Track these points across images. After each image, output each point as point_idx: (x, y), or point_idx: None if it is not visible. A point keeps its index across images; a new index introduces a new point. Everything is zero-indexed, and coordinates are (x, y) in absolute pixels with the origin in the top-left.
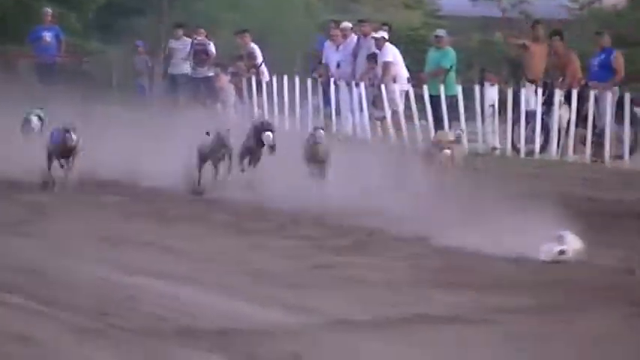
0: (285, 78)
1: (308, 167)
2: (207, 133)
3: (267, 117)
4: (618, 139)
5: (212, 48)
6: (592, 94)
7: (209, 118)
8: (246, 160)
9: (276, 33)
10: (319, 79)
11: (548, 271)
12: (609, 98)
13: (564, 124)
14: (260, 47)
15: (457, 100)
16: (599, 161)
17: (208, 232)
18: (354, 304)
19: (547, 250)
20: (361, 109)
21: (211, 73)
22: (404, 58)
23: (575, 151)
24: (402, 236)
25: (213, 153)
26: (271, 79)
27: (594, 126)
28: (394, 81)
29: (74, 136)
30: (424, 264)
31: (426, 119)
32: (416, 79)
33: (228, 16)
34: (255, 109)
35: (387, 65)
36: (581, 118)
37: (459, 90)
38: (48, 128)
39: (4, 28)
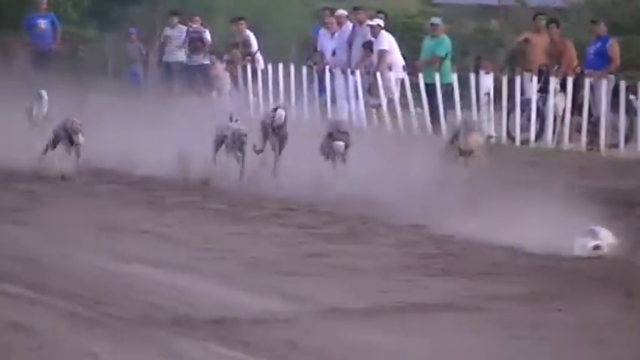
0: (281, 66)
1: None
2: (231, 119)
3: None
4: (614, 128)
5: (207, 36)
6: (587, 82)
7: (204, 106)
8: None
9: (271, 21)
10: (314, 67)
11: (542, 259)
12: (605, 86)
13: (560, 113)
14: (255, 35)
15: (452, 89)
16: (595, 149)
17: (203, 220)
18: (348, 292)
19: (581, 245)
20: (357, 97)
21: (207, 61)
22: (400, 45)
23: (570, 140)
24: (396, 224)
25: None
26: (266, 67)
27: (590, 114)
28: (390, 69)
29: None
30: (418, 252)
31: (422, 107)
32: (411, 67)
33: (223, 3)
34: (251, 96)
35: (382, 53)
36: (577, 107)
37: (454, 78)
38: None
39: None
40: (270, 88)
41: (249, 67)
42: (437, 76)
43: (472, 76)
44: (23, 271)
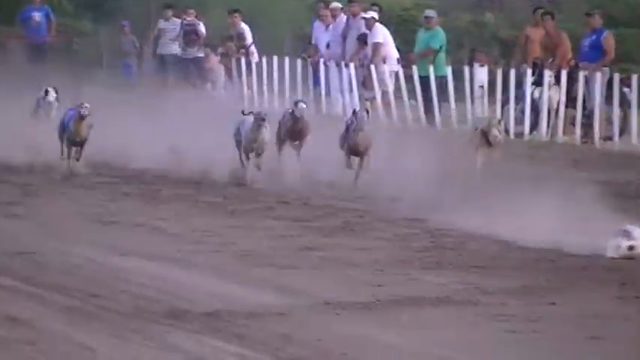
0: (275, 58)
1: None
2: (243, 112)
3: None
4: (608, 120)
5: (202, 28)
6: (582, 74)
7: (198, 99)
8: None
9: (265, 13)
10: (309, 60)
11: (537, 253)
12: (599, 79)
13: (554, 105)
14: (250, 27)
15: (447, 81)
16: (589, 142)
17: (198, 213)
18: (342, 286)
19: (615, 246)
20: (351, 90)
21: (201, 54)
22: (394, 38)
23: (564, 132)
24: (391, 217)
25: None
26: (261, 60)
27: (584, 107)
28: (384, 61)
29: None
30: (413, 245)
31: (416, 99)
32: (405, 60)
33: None
34: (245, 89)
35: (376, 46)
36: (571, 99)
37: (448, 71)
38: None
39: None
40: (265, 81)
41: (243, 59)
42: (431, 69)
43: (466, 69)
44: (17, 264)
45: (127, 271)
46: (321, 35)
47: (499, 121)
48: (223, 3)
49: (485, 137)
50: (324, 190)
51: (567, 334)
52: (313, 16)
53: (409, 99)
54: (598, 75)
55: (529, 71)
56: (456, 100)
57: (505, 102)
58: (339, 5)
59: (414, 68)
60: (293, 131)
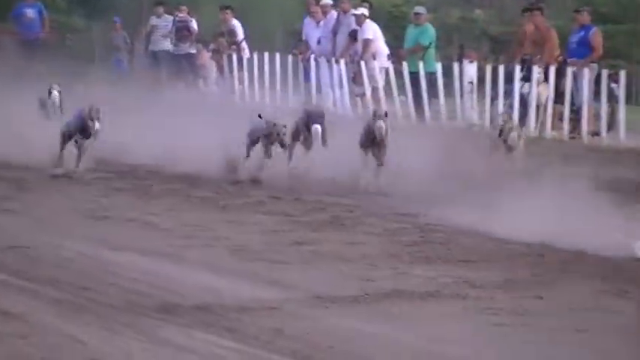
0: (266, 54)
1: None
2: (259, 116)
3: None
4: (596, 116)
5: (194, 25)
6: (570, 70)
7: (190, 94)
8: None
9: (257, 9)
10: (299, 56)
11: (523, 246)
12: (587, 75)
13: (543, 101)
14: (241, 24)
15: (436, 77)
16: (577, 137)
17: (190, 208)
18: (333, 280)
19: None
20: (341, 86)
21: (193, 50)
22: (384, 34)
23: (553, 128)
24: (381, 212)
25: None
26: (252, 56)
27: (572, 102)
28: (374, 58)
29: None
30: (403, 240)
31: (406, 95)
32: (395, 56)
33: None
34: (237, 85)
35: (366, 42)
36: (559, 95)
37: (438, 67)
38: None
39: None
40: (256, 77)
41: (234, 55)
42: (421, 65)
43: (456, 65)
44: (11, 259)
45: (119, 265)
46: (312, 31)
47: (516, 124)
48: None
49: (504, 141)
50: (316, 185)
51: (554, 327)
52: (304, 12)
53: (399, 95)
54: (586, 71)
55: (518, 67)
56: (445, 96)
57: (494, 97)
58: (330, 2)
59: (404, 64)
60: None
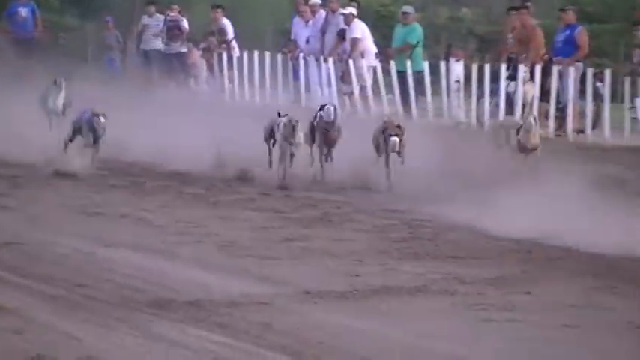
0: (256, 53)
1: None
2: (279, 114)
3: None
4: (581, 114)
5: (185, 24)
6: (555, 69)
7: (180, 93)
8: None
9: (246, 9)
10: (289, 55)
11: (512, 242)
12: (572, 74)
13: (529, 100)
14: (231, 23)
15: (423, 76)
16: (563, 135)
17: (182, 205)
18: (322, 276)
19: None
20: (330, 84)
21: (184, 49)
22: (373, 34)
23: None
24: (370, 209)
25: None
26: (242, 55)
27: (558, 101)
28: (362, 56)
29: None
30: (391, 236)
31: (393, 94)
32: (383, 55)
33: None
34: (226, 83)
35: (355, 41)
36: (545, 93)
37: (425, 65)
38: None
39: None
40: (246, 75)
41: (225, 54)
42: (408, 64)
43: (443, 64)
44: (6, 255)
45: (113, 261)
46: (301, 31)
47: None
48: None
49: (521, 145)
50: (305, 182)
51: (542, 323)
52: (293, 12)
53: (387, 93)
54: (571, 70)
55: (504, 66)
56: (432, 94)
57: (480, 96)
58: (319, 1)
59: (392, 63)
60: (324, 135)
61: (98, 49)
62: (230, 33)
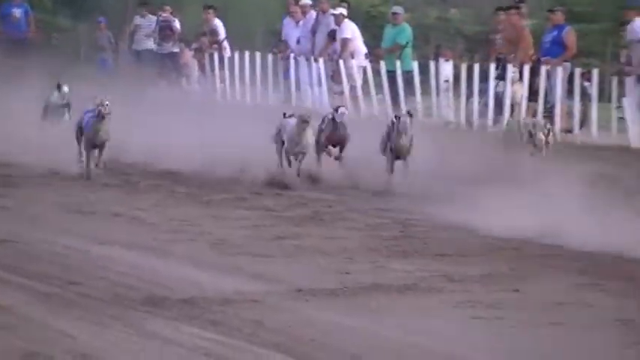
0: (247, 53)
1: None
2: (285, 115)
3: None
4: (569, 114)
5: (177, 24)
6: (544, 69)
7: (172, 93)
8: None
9: (238, 9)
10: (279, 55)
11: (500, 241)
12: (560, 74)
13: (518, 100)
14: (223, 23)
15: (413, 76)
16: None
17: (175, 203)
18: (313, 274)
19: None
20: (320, 84)
21: (176, 49)
22: (363, 34)
23: None
24: (362, 208)
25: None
26: (233, 55)
27: (546, 100)
28: (352, 57)
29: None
30: (382, 234)
31: (383, 93)
32: (373, 55)
33: None
34: (218, 83)
35: (345, 41)
36: (533, 93)
37: (414, 65)
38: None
39: None
40: (237, 75)
41: (216, 54)
42: (398, 64)
43: (432, 64)
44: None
45: (106, 259)
46: (291, 31)
47: (545, 125)
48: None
49: (535, 144)
50: (295, 181)
51: (530, 320)
52: (284, 12)
53: (376, 93)
54: (559, 70)
55: (492, 66)
56: (421, 94)
57: (469, 96)
58: (309, 2)
59: (382, 63)
60: (333, 137)
61: (91, 50)
62: (222, 33)
